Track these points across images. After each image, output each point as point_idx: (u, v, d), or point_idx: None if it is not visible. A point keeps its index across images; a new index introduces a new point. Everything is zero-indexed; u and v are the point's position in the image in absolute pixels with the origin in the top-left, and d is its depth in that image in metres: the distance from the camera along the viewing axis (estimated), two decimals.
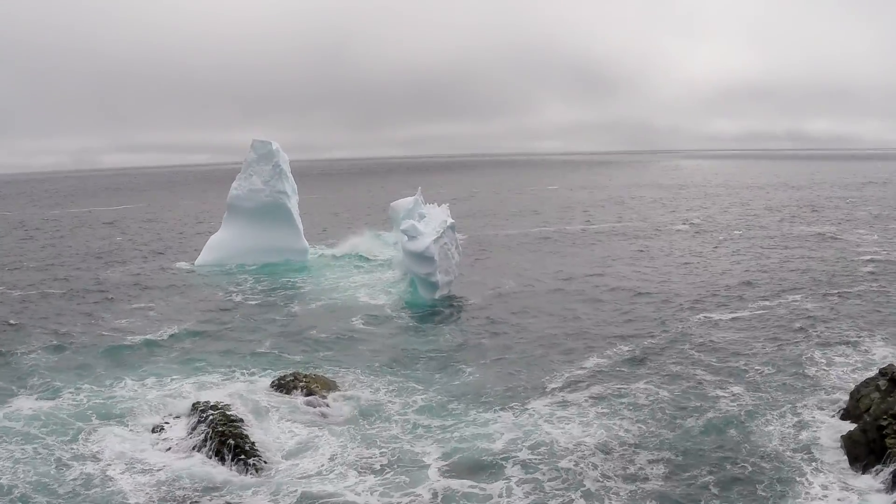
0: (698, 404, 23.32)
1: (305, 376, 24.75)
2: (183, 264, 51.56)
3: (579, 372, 26.90)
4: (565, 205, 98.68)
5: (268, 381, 25.40)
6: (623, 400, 23.84)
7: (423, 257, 37.05)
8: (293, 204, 52.79)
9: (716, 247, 55.63)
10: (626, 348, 29.70)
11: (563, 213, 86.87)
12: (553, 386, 25.45)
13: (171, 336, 32.21)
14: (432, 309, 36.77)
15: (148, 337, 31.81)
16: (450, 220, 38.86)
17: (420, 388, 25.55)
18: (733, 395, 23.96)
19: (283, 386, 24.17)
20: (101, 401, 24.06)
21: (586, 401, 23.87)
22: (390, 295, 39.59)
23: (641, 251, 54.51)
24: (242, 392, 23.83)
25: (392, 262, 48.77)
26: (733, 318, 33.92)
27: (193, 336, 32.31)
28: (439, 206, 42.71)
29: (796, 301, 36.65)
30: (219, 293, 41.46)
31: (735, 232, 64.06)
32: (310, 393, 23.51)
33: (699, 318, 33.94)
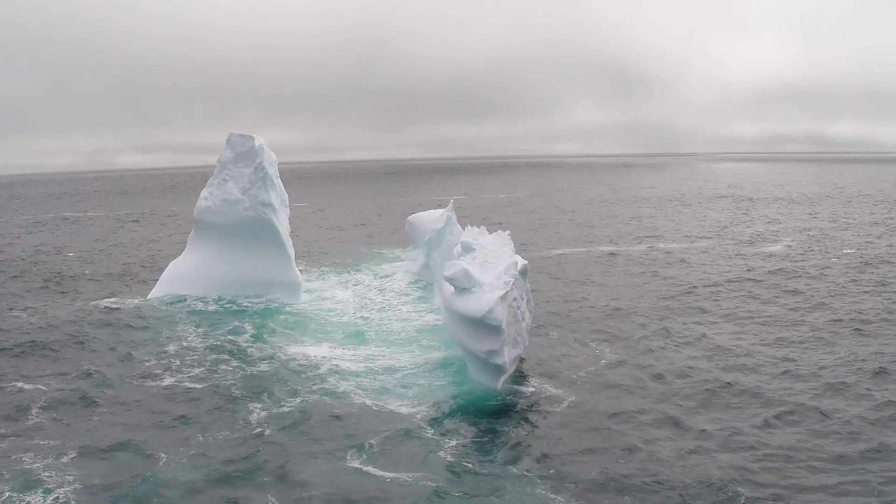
0: None
1: None
2: (130, 300, 37.24)
3: None
4: (624, 215, 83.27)
5: None
6: None
7: (484, 326, 21.69)
8: (282, 220, 38.25)
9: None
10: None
11: (624, 226, 71.61)
12: None
13: (45, 464, 17.89)
14: (494, 417, 21.15)
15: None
16: (521, 262, 23.55)
17: None
18: None
19: None
20: None
21: None
22: (420, 381, 24.14)
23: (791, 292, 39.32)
24: None
25: (414, 306, 34.31)
26: None
27: (73, 469, 17.78)
28: (490, 232, 27.60)
29: None
30: (150, 361, 26.63)
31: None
32: None
33: None
